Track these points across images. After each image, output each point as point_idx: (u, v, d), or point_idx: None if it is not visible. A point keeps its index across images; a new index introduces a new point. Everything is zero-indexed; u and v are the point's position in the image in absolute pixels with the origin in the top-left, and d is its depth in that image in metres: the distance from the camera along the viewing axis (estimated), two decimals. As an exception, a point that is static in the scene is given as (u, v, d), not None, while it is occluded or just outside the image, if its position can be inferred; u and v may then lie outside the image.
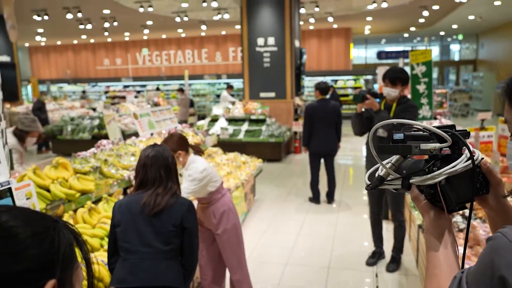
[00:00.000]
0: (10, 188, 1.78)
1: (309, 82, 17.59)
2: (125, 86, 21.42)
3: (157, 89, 17.88)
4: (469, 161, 0.93)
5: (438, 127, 0.97)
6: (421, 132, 0.97)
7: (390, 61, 21.31)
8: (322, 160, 6.34)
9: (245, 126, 10.03)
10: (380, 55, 21.69)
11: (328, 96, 8.33)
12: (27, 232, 0.70)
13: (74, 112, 12.17)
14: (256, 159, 6.73)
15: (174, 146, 2.95)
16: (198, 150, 3.14)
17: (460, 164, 0.93)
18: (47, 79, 22.53)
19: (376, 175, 1.06)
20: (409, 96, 5.93)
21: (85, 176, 3.38)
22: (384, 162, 1.04)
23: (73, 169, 3.43)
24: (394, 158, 1.04)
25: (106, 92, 21.72)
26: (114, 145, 4.35)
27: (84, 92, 20.31)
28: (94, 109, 12.71)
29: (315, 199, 6.38)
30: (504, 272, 0.71)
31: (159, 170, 2.20)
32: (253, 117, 9.99)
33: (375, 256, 4.27)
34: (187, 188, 2.96)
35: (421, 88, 6.00)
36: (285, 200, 6.62)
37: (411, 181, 0.99)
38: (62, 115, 12.01)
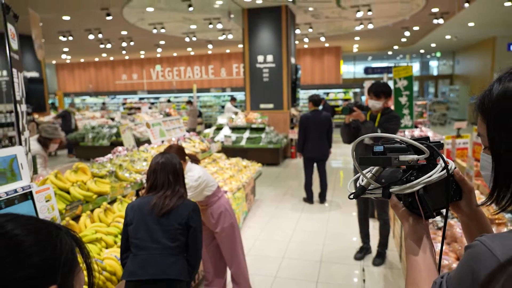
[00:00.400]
0: (31, 192, 1.75)
1: (303, 95, 17.61)
2: (141, 98, 21.46)
3: (168, 101, 17.89)
4: (444, 171, 0.91)
5: (415, 139, 0.94)
6: (399, 144, 0.95)
7: (376, 75, 21.36)
8: (315, 165, 6.32)
9: (246, 134, 10.01)
10: (367, 70, 21.73)
11: (320, 107, 8.31)
12: (30, 240, 0.68)
13: (95, 121, 12.17)
14: (256, 163, 6.70)
15: (182, 154, 2.96)
16: (195, 159, 3.17)
17: (436, 174, 0.90)
18: (72, 92, 22.61)
19: (358, 184, 1.03)
20: (392, 107, 5.91)
21: (101, 179, 3.36)
22: (365, 171, 1.01)
23: (91, 173, 3.41)
24: (375, 168, 1.01)
25: (123, 104, 21.77)
26: (129, 152, 4.33)
27: (104, 103, 20.34)
28: (112, 119, 12.71)
29: (309, 199, 6.34)
30: (483, 279, 0.69)
31: (168, 175, 2.20)
32: (253, 125, 9.97)
33: (363, 251, 4.23)
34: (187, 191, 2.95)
35: (403, 100, 5.98)
36: (282, 200, 6.59)
37: (391, 190, 0.96)
38: (84, 124, 12.02)
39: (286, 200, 6.60)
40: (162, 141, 5.10)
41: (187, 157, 3.09)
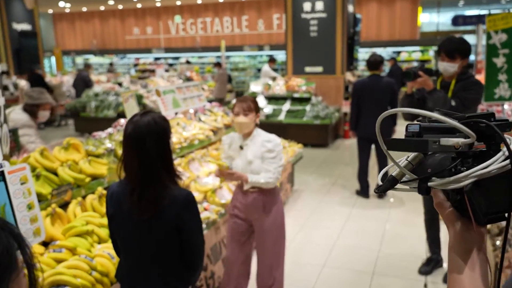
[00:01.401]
0: (2, 172, 1.87)
1: (364, 55, 17.17)
2: (156, 59, 21.88)
3: (187, 62, 18.07)
4: (508, 161, 0.85)
5: (470, 117, 0.90)
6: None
7: (469, 27, 20.25)
8: (372, 147, 6.23)
9: (286, 106, 9.98)
10: (456, 20, 20.54)
11: (386, 71, 8.08)
12: None
13: (100, 87, 12.60)
14: (296, 144, 6.69)
15: (253, 105, 3.11)
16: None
17: (495, 164, 0.84)
18: (72, 49, 23.44)
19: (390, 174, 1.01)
20: (478, 74, 5.65)
21: (97, 159, 3.51)
22: (401, 159, 0.99)
23: (85, 151, 3.56)
24: (412, 154, 0.98)
25: (135, 65, 22.30)
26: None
27: (111, 64, 20.91)
28: (120, 84, 13.11)
29: (363, 192, 6.30)
30: None
31: (145, 152, 1.95)
32: (296, 95, 9.93)
33: (431, 264, 4.16)
34: (273, 168, 3.07)
35: (500, 61, 5.67)
36: (329, 191, 6.59)
37: (429, 184, 0.92)
38: (86, 90, 12.51)
39: (334, 192, 6.60)
40: (176, 113, 5.21)
41: (258, 115, 3.15)
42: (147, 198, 1.98)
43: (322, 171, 7.79)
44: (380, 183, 1.02)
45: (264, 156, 3.11)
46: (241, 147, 3.17)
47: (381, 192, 0.99)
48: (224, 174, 3.08)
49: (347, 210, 5.80)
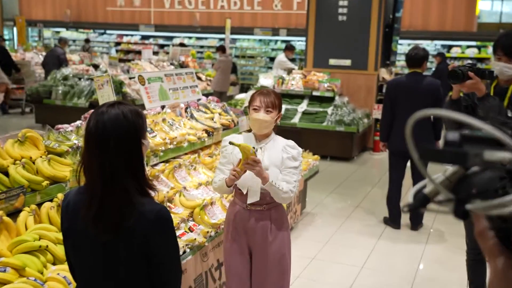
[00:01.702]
0: None
1: (406, 48, 17.18)
2: (144, 37, 22.03)
3: (182, 44, 18.11)
4: None
5: None
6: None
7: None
8: (408, 164, 6.22)
9: (303, 106, 10.00)
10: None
11: (432, 69, 8.07)
12: None
13: (69, 68, 12.69)
14: (311, 154, 6.70)
15: (278, 101, 3.22)
16: None
17: None
18: (40, 20, 23.64)
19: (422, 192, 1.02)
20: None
21: (59, 158, 3.53)
22: (438, 175, 1.00)
23: (45, 147, 3.59)
24: (450, 168, 0.99)
25: (117, 44, 22.47)
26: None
27: (87, 41, 21.03)
28: (96, 66, 13.19)
29: (393, 220, 6.28)
30: None
31: (108, 154, 1.93)
32: (315, 93, 9.95)
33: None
34: (294, 180, 3.16)
35: None
36: (349, 217, 6.59)
37: (468, 206, 0.93)
38: (53, 72, 12.59)
39: (356, 218, 6.59)
40: (163, 107, 5.24)
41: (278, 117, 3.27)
42: (107, 214, 1.94)
43: (343, 190, 7.77)
44: (411, 201, 1.03)
45: (285, 164, 3.18)
46: (255, 151, 3.19)
47: (409, 211, 1.00)
48: (249, 162, 3.02)
49: (371, 242, 5.79)
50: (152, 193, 2.06)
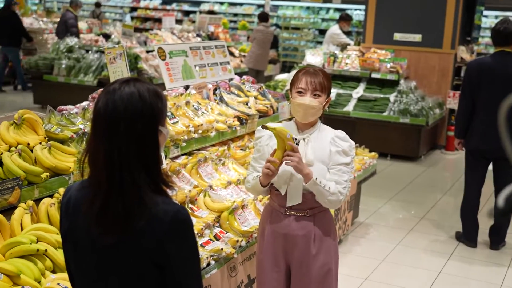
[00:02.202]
0: None
1: (493, 20, 16.89)
2: (165, 2, 22.16)
3: (211, 12, 18.17)
4: None
5: None
6: None
7: None
8: (490, 167, 6.16)
9: (359, 91, 9.96)
10: None
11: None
12: None
13: (75, 38, 12.90)
14: (367, 151, 6.68)
15: (327, 83, 3.23)
16: None
17: None
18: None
19: None
20: None
21: (61, 145, 3.62)
22: None
23: (45, 132, 3.69)
24: None
25: (133, 10, 22.66)
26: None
27: (98, 5, 21.25)
28: (107, 36, 13.36)
29: (467, 236, 6.23)
30: None
31: (117, 141, 1.95)
32: (375, 75, 9.89)
33: None
34: (344, 180, 3.19)
35: None
36: (413, 231, 6.56)
37: None
38: (55, 42, 12.79)
39: (422, 232, 6.55)
40: (187, 87, 5.31)
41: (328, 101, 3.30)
42: (113, 212, 1.95)
43: (406, 197, 7.73)
44: (502, 204, 1.05)
45: (333, 160, 3.20)
46: (296, 142, 3.21)
47: (498, 215, 1.02)
48: (286, 152, 3.07)
49: (438, 263, 5.76)
50: (169, 192, 2.06)
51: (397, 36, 10.45)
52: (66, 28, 13.16)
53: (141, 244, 1.98)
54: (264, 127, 3.15)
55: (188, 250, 2.06)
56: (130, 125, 1.94)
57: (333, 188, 3.12)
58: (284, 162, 3.09)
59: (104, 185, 1.94)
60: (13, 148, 3.35)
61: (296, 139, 3.16)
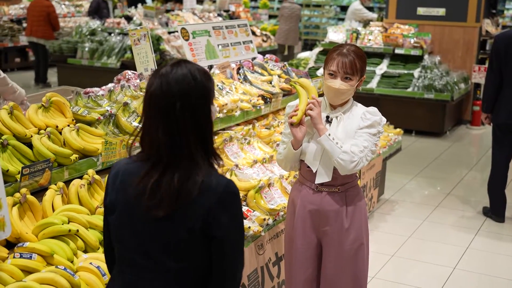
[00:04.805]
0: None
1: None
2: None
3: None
4: None
5: None
6: None
7: None
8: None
9: (382, 67, 9.92)
10: None
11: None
12: None
13: (98, 21, 12.97)
14: (392, 128, 6.67)
15: (360, 64, 3.23)
16: None
17: None
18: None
19: None
20: None
21: (89, 127, 3.67)
22: None
23: (73, 114, 3.74)
24: None
25: (152, -10, 22.64)
26: (144, 81, 4.63)
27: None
28: (129, 18, 13.42)
29: (495, 211, 6.22)
30: None
31: (176, 121, 2.05)
32: (399, 50, 9.85)
33: None
34: (364, 146, 3.20)
35: None
36: (440, 207, 6.57)
37: None
38: (78, 25, 12.89)
39: (448, 208, 6.56)
40: (210, 67, 5.34)
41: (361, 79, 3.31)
42: (168, 184, 2.04)
43: (432, 173, 7.73)
44: None
45: (360, 131, 3.22)
46: (329, 120, 3.25)
47: None
48: (313, 107, 3.13)
49: (466, 239, 5.76)
50: (216, 167, 2.16)
51: (421, 10, 10.38)
52: (95, 9, 13.42)
53: (193, 214, 2.07)
54: (288, 80, 3.19)
55: (236, 222, 2.15)
56: (186, 103, 2.04)
57: (346, 147, 3.12)
58: (306, 112, 3.14)
59: (164, 158, 2.05)
60: (42, 131, 3.41)
61: (329, 117, 3.22)
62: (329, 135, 3.11)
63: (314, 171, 3.26)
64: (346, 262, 3.32)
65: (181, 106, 2.04)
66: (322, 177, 3.24)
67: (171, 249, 2.11)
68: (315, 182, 3.27)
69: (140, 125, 2.14)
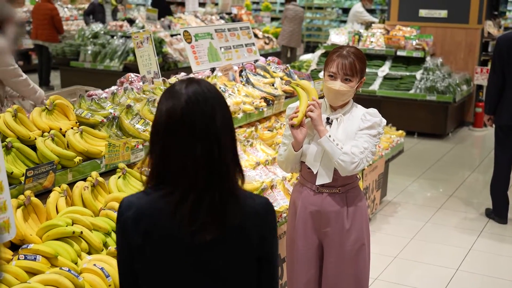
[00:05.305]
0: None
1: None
2: (188, -16, 22.12)
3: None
4: None
5: None
6: None
7: None
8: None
9: (384, 69, 9.93)
10: None
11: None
12: None
13: (101, 24, 13.00)
14: (394, 129, 6.68)
15: (359, 65, 3.26)
16: None
17: None
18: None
19: None
20: None
21: (93, 130, 3.69)
22: None
23: (77, 117, 3.77)
24: None
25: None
26: (147, 84, 4.65)
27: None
28: (131, 21, 13.44)
29: (498, 213, 6.23)
30: None
31: (215, 137, 1.95)
32: (401, 52, 9.86)
33: None
34: (364, 148, 3.20)
35: None
36: (442, 208, 6.57)
37: None
38: (81, 29, 12.92)
39: (451, 209, 6.57)
40: (213, 70, 5.35)
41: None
42: (209, 208, 1.93)
43: (434, 175, 7.74)
44: None
45: (361, 132, 3.24)
46: (329, 122, 3.28)
47: None
48: (313, 108, 3.16)
49: (468, 240, 5.77)
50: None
51: (423, 12, 10.39)
52: (94, 9, 13.60)
53: (244, 239, 2.00)
54: (288, 82, 3.21)
55: (276, 239, 2.13)
56: (221, 117, 1.96)
57: (347, 148, 3.14)
58: (306, 113, 3.16)
59: (201, 180, 1.92)
60: (46, 133, 3.43)
61: (329, 118, 3.25)
62: (330, 136, 3.14)
63: (314, 173, 3.27)
64: (347, 263, 3.34)
65: (220, 121, 1.96)
66: (323, 178, 3.26)
67: (219, 276, 2.03)
68: (316, 183, 3.29)
69: (149, 156, 2.00)
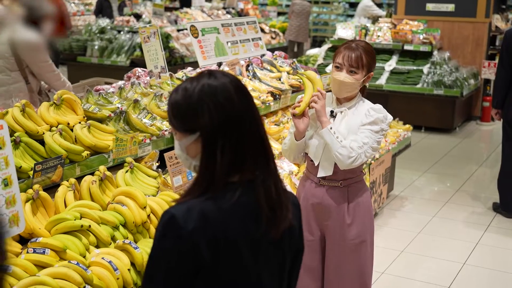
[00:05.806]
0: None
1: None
2: (194, -21, 22.11)
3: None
4: None
5: None
6: None
7: None
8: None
9: (391, 63, 9.93)
10: None
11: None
12: None
13: (107, 20, 13.01)
14: (401, 124, 6.68)
15: (366, 58, 3.26)
16: None
17: None
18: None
19: None
20: None
21: (100, 124, 3.71)
22: None
23: (84, 112, 3.79)
24: None
25: (161, -13, 22.66)
26: (154, 78, 4.66)
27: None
28: (138, 16, 13.46)
29: (505, 207, 6.22)
30: None
31: (257, 130, 1.88)
32: (408, 47, 9.85)
33: None
34: (364, 143, 3.18)
35: None
36: (449, 203, 6.57)
37: None
38: (88, 24, 12.94)
39: (458, 203, 6.57)
40: (219, 64, 5.37)
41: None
42: (281, 205, 1.86)
43: (442, 169, 7.74)
44: None
45: (363, 127, 3.24)
46: (333, 115, 3.29)
47: None
48: (317, 99, 3.16)
49: (475, 235, 5.77)
50: None
51: (430, 6, 10.36)
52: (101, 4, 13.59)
53: (292, 230, 1.93)
54: (296, 72, 3.22)
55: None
56: (256, 110, 1.91)
57: (346, 142, 3.14)
58: (310, 104, 3.18)
59: (260, 170, 1.84)
60: (54, 128, 3.46)
61: (333, 111, 3.26)
62: (331, 128, 3.14)
63: (316, 164, 3.29)
64: (348, 257, 3.35)
65: (256, 110, 1.91)
66: (324, 171, 3.28)
67: (279, 274, 1.94)
68: (317, 176, 3.31)
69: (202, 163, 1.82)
